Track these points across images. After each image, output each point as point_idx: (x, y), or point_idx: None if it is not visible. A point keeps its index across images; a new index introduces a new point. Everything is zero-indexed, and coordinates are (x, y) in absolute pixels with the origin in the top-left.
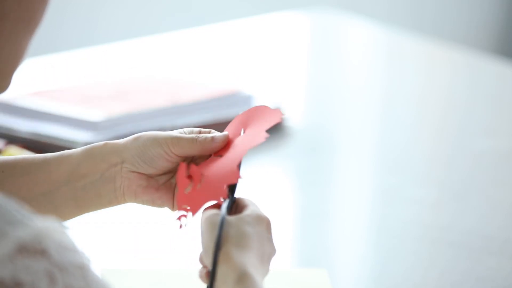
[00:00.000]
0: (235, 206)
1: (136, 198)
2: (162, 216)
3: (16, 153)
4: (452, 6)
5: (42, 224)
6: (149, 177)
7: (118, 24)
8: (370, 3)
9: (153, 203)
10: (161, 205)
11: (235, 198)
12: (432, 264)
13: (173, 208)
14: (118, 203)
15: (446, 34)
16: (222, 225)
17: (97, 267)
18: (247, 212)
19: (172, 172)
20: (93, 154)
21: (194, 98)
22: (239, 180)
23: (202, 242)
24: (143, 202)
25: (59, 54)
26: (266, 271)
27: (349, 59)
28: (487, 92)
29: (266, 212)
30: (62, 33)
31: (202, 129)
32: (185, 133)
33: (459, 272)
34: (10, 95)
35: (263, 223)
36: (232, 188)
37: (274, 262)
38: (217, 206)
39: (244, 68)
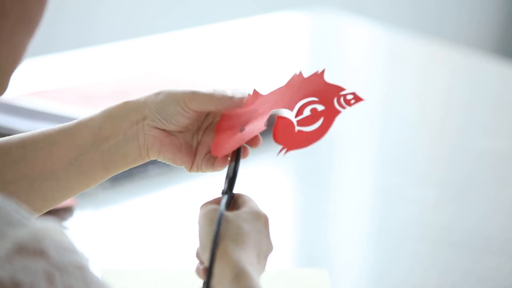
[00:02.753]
0: (233, 202)
1: (159, 155)
2: (162, 216)
3: None
4: (453, 6)
5: (41, 224)
6: (171, 134)
7: (118, 24)
8: (371, 3)
9: (173, 161)
10: (180, 164)
11: (233, 193)
12: (432, 264)
13: (189, 170)
14: (143, 160)
15: (447, 34)
16: (220, 221)
17: (97, 267)
18: (245, 208)
19: (192, 130)
20: (113, 115)
21: None
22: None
23: (199, 238)
24: (164, 159)
25: (59, 54)
26: (262, 268)
27: (349, 59)
28: (487, 92)
29: (264, 209)
30: (62, 33)
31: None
32: None
33: (459, 272)
34: (10, 95)
35: (261, 219)
36: (230, 183)
37: (274, 262)
38: (216, 201)
39: (244, 68)
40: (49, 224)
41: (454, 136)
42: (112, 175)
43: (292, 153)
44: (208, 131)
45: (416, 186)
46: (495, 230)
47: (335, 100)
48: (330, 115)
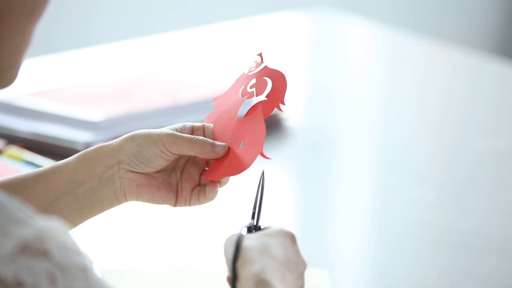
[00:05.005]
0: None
1: (137, 197)
2: (162, 216)
3: (16, 153)
4: (453, 6)
5: (45, 224)
6: (148, 175)
7: (118, 24)
8: (371, 3)
9: (154, 201)
10: (162, 203)
11: (259, 225)
12: (432, 264)
13: (174, 205)
14: (119, 203)
15: (447, 34)
16: (239, 239)
17: (97, 267)
18: (269, 228)
19: (169, 169)
20: (87, 159)
21: (194, 98)
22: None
23: (226, 261)
24: (144, 201)
25: (59, 54)
26: (294, 280)
27: (349, 59)
28: (487, 92)
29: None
30: (62, 33)
31: (195, 125)
32: (177, 130)
33: (459, 272)
34: (10, 95)
35: (287, 236)
36: (254, 213)
37: None
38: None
39: (244, 68)
40: (53, 224)
41: (454, 136)
42: (88, 219)
43: (292, 153)
44: (188, 165)
45: (416, 186)
46: (495, 230)
47: (250, 72)
48: (265, 72)
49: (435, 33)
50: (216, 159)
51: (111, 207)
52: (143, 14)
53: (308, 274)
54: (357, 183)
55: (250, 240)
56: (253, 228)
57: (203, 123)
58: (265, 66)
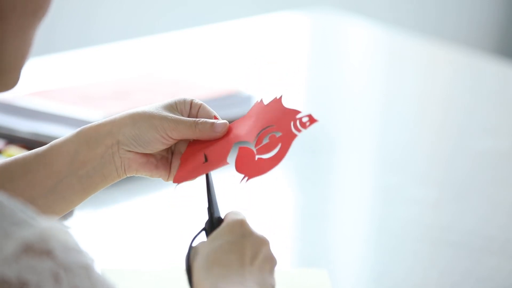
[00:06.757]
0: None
1: (137, 173)
2: (162, 216)
3: (16, 153)
4: (453, 6)
5: (47, 224)
6: (147, 154)
7: (118, 24)
8: (371, 3)
9: (151, 176)
10: (157, 177)
11: (221, 218)
12: (432, 264)
13: (167, 179)
14: (120, 178)
15: (447, 34)
16: (188, 259)
17: (97, 267)
18: (220, 226)
19: (167, 149)
20: (88, 139)
21: (194, 98)
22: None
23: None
24: (142, 175)
25: (59, 54)
26: (259, 269)
27: (350, 59)
28: (487, 92)
29: (241, 213)
30: (62, 33)
31: (194, 101)
32: (177, 105)
33: (459, 272)
34: (10, 95)
35: (236, 226)
36: (208, 213)
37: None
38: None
39: (244, 68)
40: (54, 224)
41: (454, 136)
42: (92, 195)
43: (291, 154)
44: (180, 142)
45: (416, 186)
46: (495, 230)
47: (291, 124)
48: (287, 140)
49: (435, 33)
50: (183, 163)
51: (113, 182)
52: (143, 14)
53: (308, 274)
54: (357, 183)
55: (198, 256)
56: (209, 229)
57: (202, 102)
58: (295, 135)
